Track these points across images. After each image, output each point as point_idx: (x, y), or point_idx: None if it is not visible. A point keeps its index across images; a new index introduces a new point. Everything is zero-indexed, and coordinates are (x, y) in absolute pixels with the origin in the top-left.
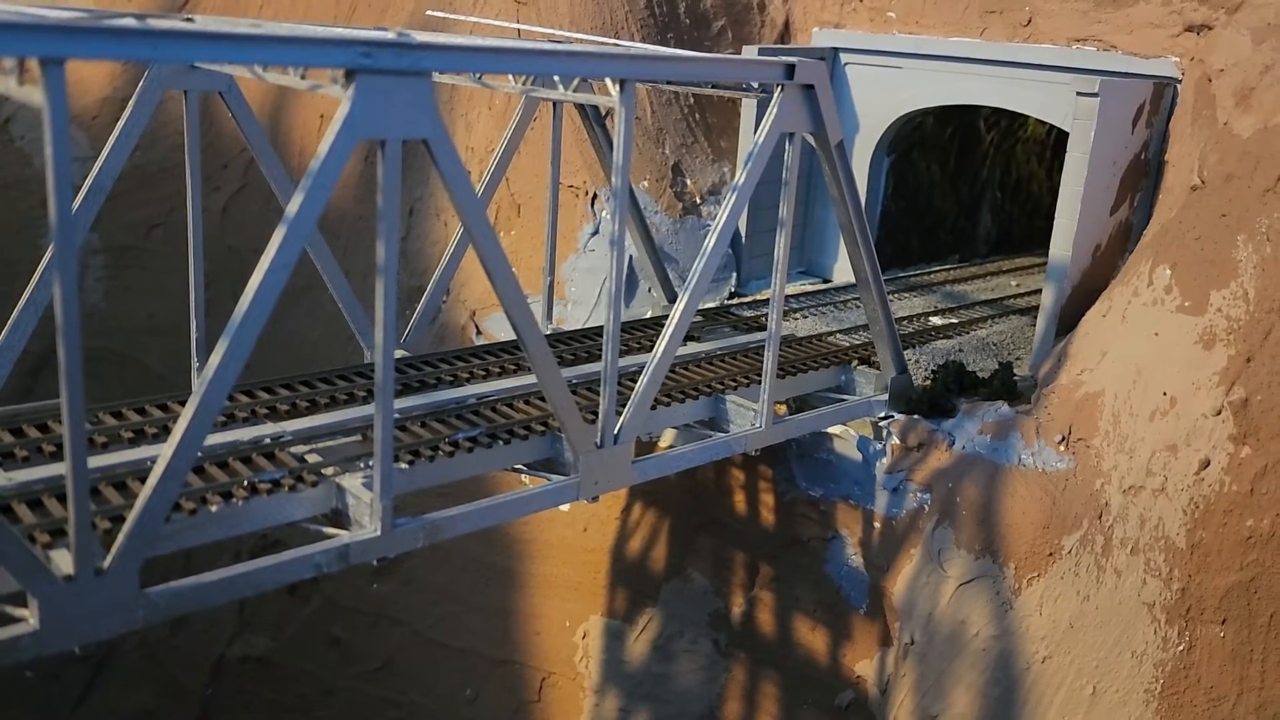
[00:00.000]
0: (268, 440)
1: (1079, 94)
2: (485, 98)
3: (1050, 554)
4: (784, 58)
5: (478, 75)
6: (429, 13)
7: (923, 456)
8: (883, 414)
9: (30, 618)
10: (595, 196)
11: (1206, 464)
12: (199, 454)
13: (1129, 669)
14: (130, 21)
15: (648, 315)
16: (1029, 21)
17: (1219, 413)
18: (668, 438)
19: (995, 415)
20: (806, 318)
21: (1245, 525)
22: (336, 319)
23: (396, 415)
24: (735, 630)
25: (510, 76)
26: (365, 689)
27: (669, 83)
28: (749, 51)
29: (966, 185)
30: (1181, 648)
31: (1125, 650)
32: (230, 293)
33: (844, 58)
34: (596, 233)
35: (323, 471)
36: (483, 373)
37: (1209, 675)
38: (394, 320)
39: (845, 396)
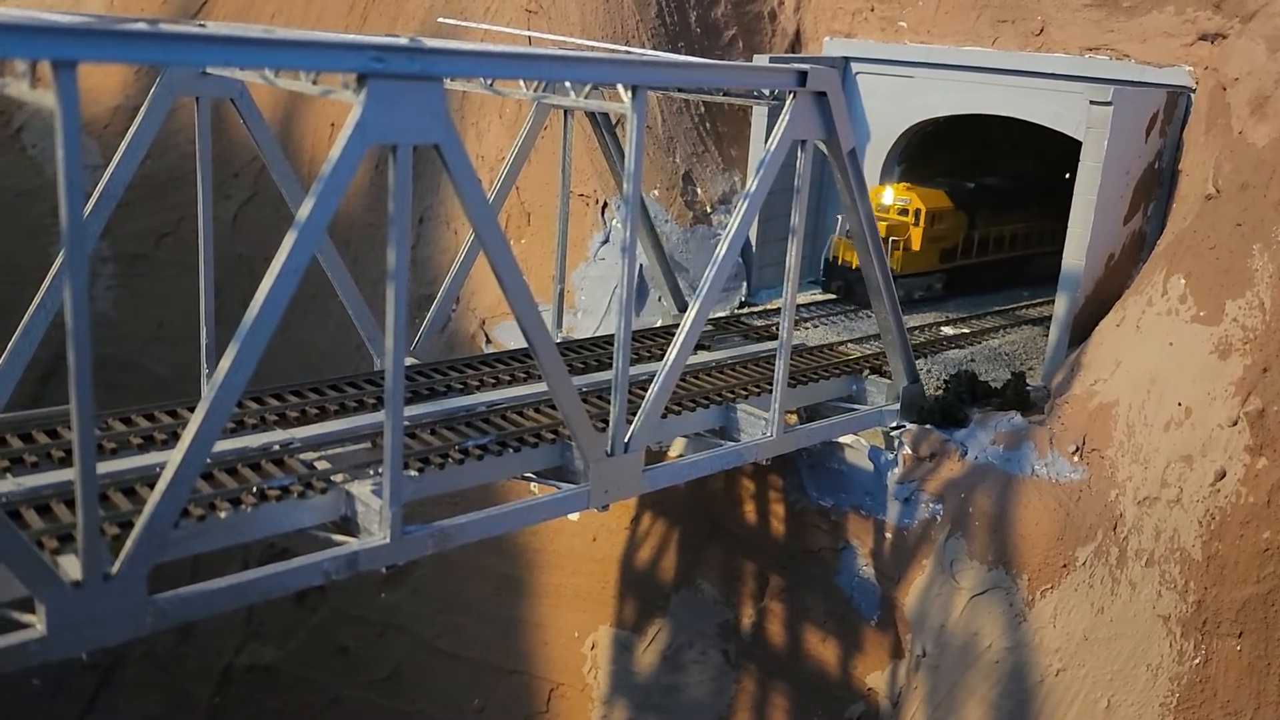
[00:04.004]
0: (277, 447)
1: (1092, 103)
2: (496, 106)
3: (1064, 565)
4: (796, 65)
5: (489, 82)
6: (441, 20)
7: (935, 467)
8: (894, 424)
9: (38, 624)
10: (605, 205)
11: (1222, 475)
12: (208, 460)
13: (1144, 682)
14: (142, 26)
15: (658, 324)
16: (1041, 31)
17: (1235, 423)
18: (677, 447)
19: (1008, 425)
20: (817, 327)
21: (1262, 537)
22: (346, 327)
23: (406, 423)
24: (745, 641)
25: (521, 83)
26: (373, 698)
27: (680, 90)
28: (760, 60)
29: None
30: (1197, 661)
31: (1140, 663)
32: (240, 301)
33: (855, 67)
34: (607, 241)
35: (332, 478)
36: (493, 380)
37: (1225, 689)
38: (404, 327)
39: (856, 406)
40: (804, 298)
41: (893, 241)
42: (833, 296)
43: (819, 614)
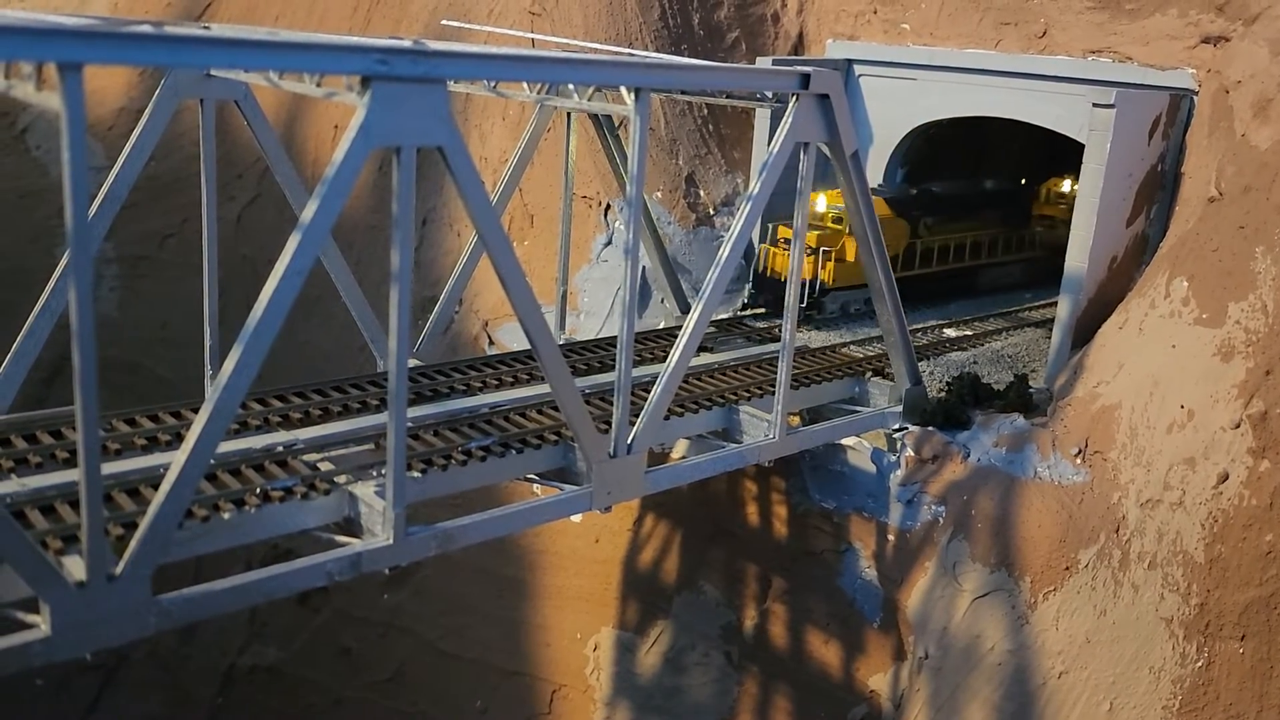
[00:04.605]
0: (280, 448)
1: (1095, 105)
2: (499, 108)
3: (1066, 568)
4: (799, 67)
5: (493, 84)
6: (444, 23)
7: (937, 469)
8: (897, 426)
9: (42, 624)
10: (608, 207)
11: (1225, 478)
12: (212, 461)
13: (1146, 685)
14: (147, 28)
15: (661, 326)
16: (1044, 33)
17: (1238, 426)
18: (680, 448)
19: (1011, 428)
20: (820, 329)
21: (1265, 540)
22: (349, 328)
23: (409, 424)
24: (747, 643)
25: (525, 85)
26: (375, 699)
27: (683, 92)
28: (763, 62)
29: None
30: (1200, 664)
31: (1143, 666)
32: (243, 302)
33: (858, 69)
34: (610, 243)
35: (335, 479)
36: (495, 382)
37: (1228, 692)
38: (407, 328)
39: (859, 408)
40: (725, 313)
41: (824, 252)
42: (761, 311)
43: (821, 616)
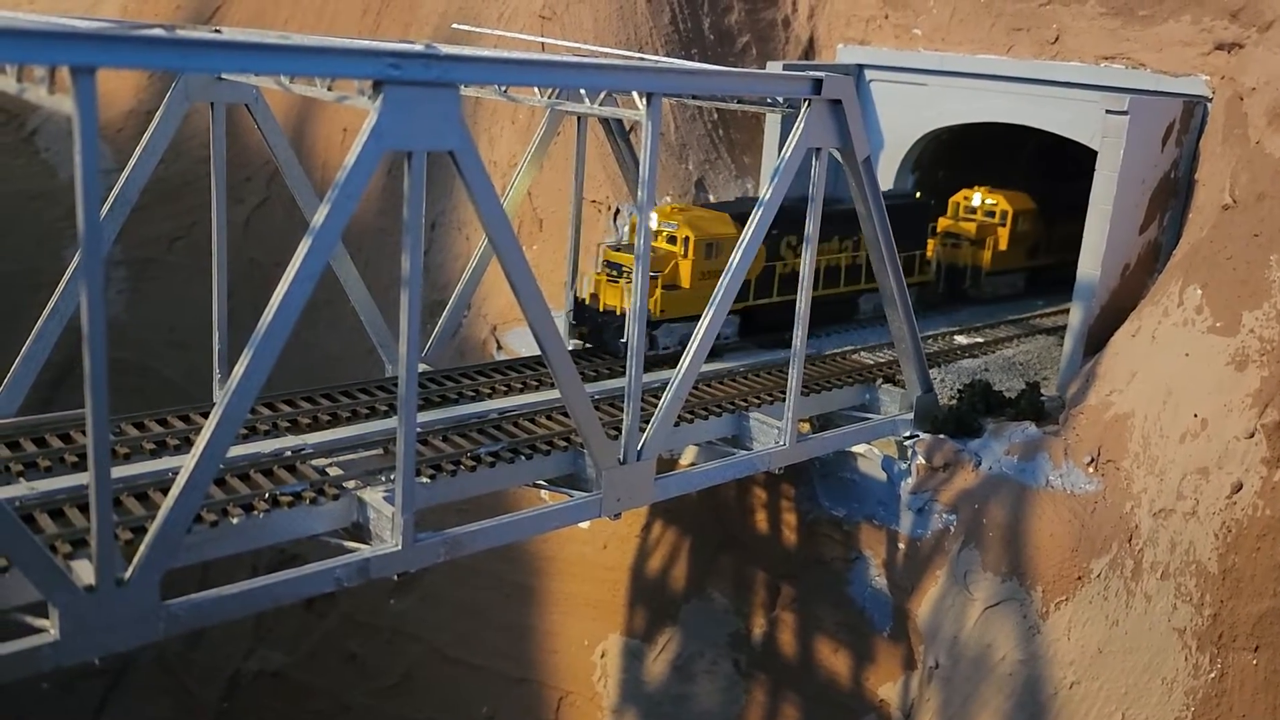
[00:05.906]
0: (289, 453)
1: (1108, 112)
2: (509, 112)
3: (1078, 577)
4: (811, 73)
5: (504, 88)
6: (455, 27)
7: (948, 477)
8: (908, 433)
9: (51, 628)
10: (618, 212)
11: (1239, 487)
12: (221, 466)
13: (1159, 696)
14: (159, 32)
15: None
16: (1056, 39)
17: (1252, 435)
18: (689, 455)
19: (1022, 436)
20: (830, 335)
21: (1279, 551)
22: (357, 332)
23: (418, 429)
24: (756, 651)
25: (536, 90)
26: (381, 705)
27: (694, 97)
28: (774, 68)
29: None
30: (1213, 675)
31: (1155, 677)
32: (251, 306)
33: (869, 74)
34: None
35: (344, 485)
36: (504, 388)
37: (1241, 703)
38: (417, 333)
39: (870, 415)
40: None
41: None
42: (579, 344)
43: (831, 624)
